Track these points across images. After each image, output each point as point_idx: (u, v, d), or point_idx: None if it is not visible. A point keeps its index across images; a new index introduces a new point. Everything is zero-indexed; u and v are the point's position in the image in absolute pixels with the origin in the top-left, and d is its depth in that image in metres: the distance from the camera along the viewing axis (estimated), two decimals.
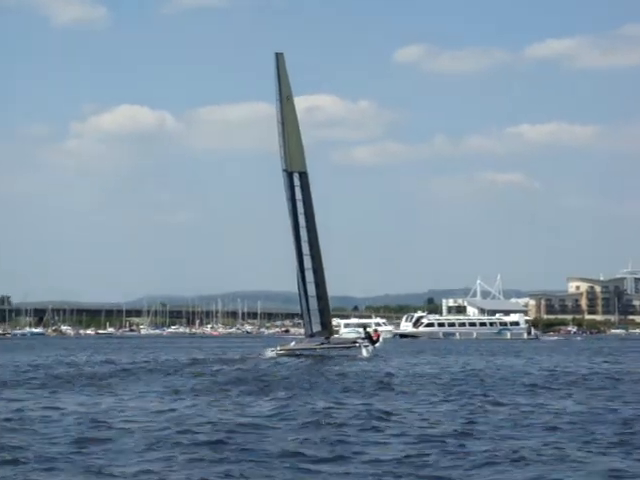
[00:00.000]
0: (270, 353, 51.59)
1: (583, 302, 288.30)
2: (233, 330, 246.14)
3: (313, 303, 55.34)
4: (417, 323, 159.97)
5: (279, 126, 55.36)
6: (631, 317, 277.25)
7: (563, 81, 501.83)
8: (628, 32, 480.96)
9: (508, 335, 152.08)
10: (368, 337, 57.75)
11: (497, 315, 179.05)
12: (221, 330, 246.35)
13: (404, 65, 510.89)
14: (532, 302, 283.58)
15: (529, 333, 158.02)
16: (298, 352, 53.12)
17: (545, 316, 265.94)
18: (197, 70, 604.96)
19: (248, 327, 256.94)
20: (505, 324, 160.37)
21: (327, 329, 56.41)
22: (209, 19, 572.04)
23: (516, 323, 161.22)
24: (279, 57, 55.56)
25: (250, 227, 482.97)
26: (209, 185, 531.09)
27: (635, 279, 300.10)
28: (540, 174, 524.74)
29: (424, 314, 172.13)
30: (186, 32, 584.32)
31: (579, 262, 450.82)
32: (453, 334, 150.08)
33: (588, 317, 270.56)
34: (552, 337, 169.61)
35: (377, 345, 57.98)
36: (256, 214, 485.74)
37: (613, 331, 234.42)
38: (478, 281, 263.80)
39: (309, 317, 55.59)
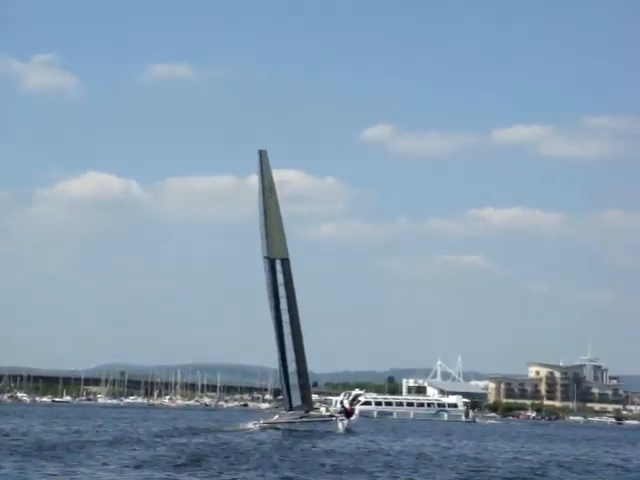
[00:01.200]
0: (253, 426, 52.45)
1: (542, 387, 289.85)
2: (192, 402, 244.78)
3: (294, 379, 57.62)
4: (354, 401, 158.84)
5: (261, 217, 57.27)
6: (589, 404, 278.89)
7: (528, 167, 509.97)
8: (589, 123, 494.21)
9: (445, 417, 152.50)
10: (344, 412, 59.53)
11: (436, 396, 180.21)
12: (179, 402, 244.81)
13: (371, 144, 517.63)
14: (492, 385, 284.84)
15: (467, 415, 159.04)
16: (280, 425, 54.22)
17: (504, 400, 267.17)
18: (166, 141, 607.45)
19: (207, 400, 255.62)
20: (443, 405, 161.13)
21: (307, 403, 57.94)
22: (180, 90, 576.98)
23: (454, 405, 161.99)
24: (262, 154, 58.19)
25: (211, 299, 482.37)
26: (173, 254, 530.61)
27: (594, 366, 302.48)
28: (502, 258, 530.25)
29: (362, 392, 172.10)
30: (157, 103, 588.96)
31: (540, 347, 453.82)
32: (390, 413, 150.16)
33: (547, 403, 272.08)
34: (491, 421, 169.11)
35: (352, 419, 59.67)
36: (218, 286, 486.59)
37: (572, 418, 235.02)
38: (439, 362, 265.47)
39: (289, 392, 57.38)
